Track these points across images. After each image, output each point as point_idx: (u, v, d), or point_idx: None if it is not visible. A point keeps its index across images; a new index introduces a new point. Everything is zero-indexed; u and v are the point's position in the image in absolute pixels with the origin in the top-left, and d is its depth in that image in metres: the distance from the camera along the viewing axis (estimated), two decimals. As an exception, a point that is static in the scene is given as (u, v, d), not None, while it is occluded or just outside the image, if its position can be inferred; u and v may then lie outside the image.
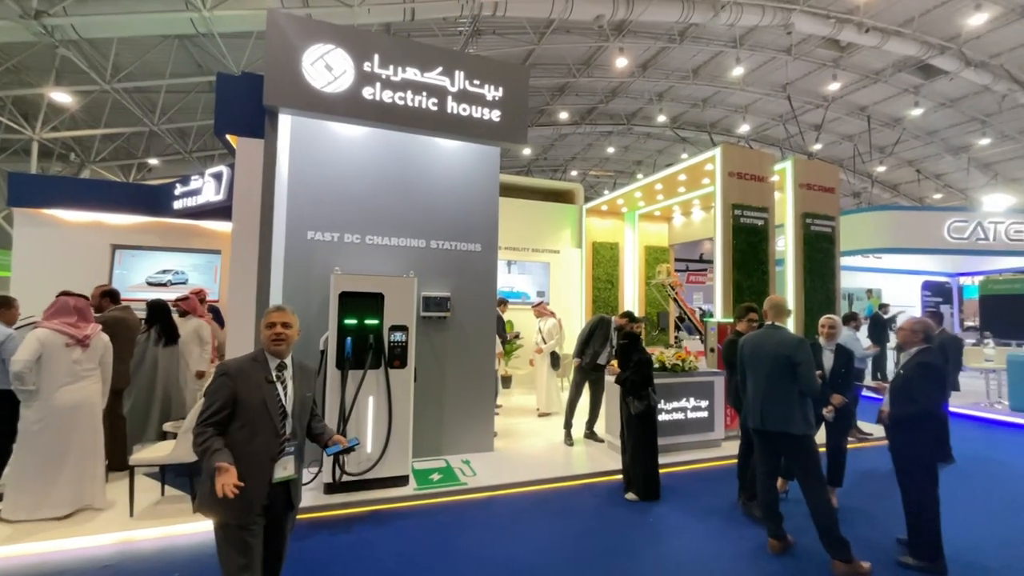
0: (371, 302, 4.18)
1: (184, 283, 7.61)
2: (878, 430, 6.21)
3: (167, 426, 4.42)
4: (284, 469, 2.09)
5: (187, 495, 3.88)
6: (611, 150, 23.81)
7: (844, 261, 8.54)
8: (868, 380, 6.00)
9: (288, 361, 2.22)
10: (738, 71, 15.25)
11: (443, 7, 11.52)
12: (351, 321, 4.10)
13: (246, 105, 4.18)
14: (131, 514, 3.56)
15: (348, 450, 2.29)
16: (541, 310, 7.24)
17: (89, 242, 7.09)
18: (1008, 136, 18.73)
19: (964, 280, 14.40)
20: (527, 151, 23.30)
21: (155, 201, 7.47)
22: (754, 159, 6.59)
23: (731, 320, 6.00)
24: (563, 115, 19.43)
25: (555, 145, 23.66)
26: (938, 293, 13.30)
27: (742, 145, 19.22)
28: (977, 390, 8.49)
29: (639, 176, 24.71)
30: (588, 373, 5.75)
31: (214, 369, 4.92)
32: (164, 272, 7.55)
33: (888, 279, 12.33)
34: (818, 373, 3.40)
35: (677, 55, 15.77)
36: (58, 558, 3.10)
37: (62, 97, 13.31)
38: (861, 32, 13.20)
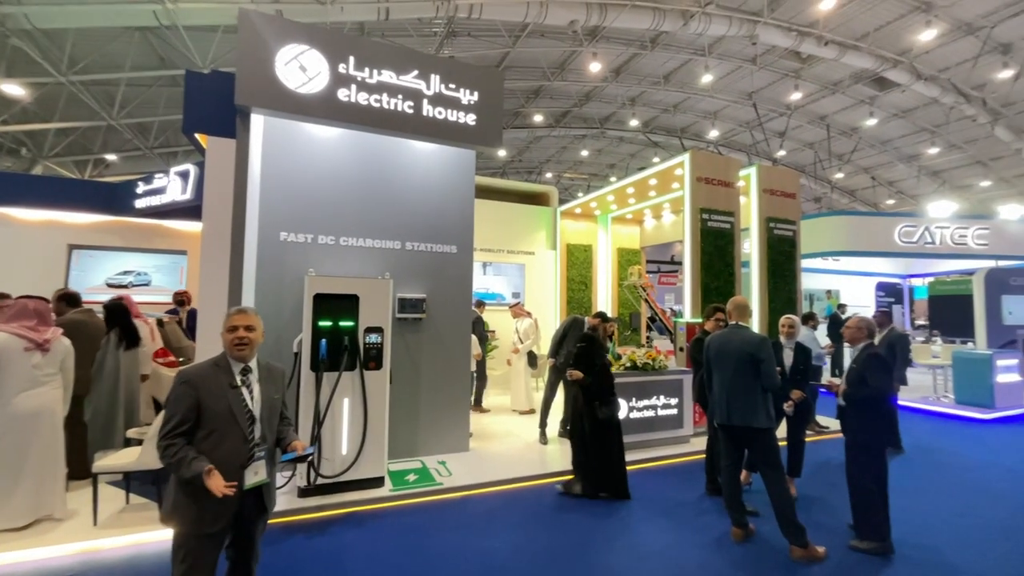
0: (346, 304, 4.17)
1: (147, 284, 7.37)
2: (835, 424, 6.54)
3: (131, 432, 4.27)
4: (255, 474, 2.05)
5: (153, 503, 3.79)
6: (585, 153, 24.16)
7: (804, 263, 8.96)
8: (826, 377, 6.31)
9: (253, 364, 2.17)
10: (707, 78, 15.76)
11: (418, 8, 11.50)
12: (326, 323, 4.08)
13: (216, 103, 4.10)
14: (95, 523, 3.45)
15: (303, 458, 2.19)
16: (518, 311, 7.33)
17: (44, 242, 6.78)
18: (955, 146, 19.94)
19: (915, 281, 15.25)
20: (502, 153, 23.41)
21: (116, 200, 7.19)
22: (721, 165, 6.85)
23: (699, 320, 6.23)
24: (538, 118, 19.63)
25: (530, 147, 23.86)
26: (891, 294, 14.07)
27: (711, 150, 19.83)
28: (925, 385, 9.03)
29: (612, 179, 25.16)
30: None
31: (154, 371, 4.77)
32: (125, 273, 7.29)
33: (845, 280, 12.98)
34: (778, 369, 3.59)
35: (649, 61, 16.16)
36: (17, 570, 2.99)
37: (13, 89, 12.62)
38: (821, 45, 13.84)
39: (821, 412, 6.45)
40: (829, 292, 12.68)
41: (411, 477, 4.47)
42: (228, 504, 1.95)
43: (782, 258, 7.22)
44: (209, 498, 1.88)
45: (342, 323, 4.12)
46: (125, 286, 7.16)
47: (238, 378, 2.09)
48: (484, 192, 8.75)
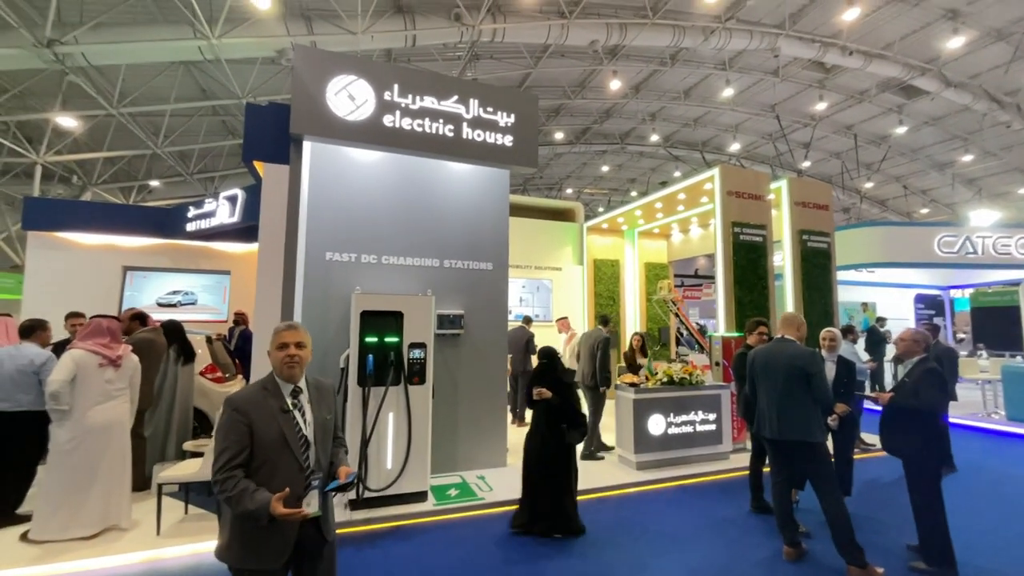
0: (391, 320, 4.31)
1: (193, 303, 7.70)
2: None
3: (187, 445, 4.47)
4: (308, 505, 1.82)
5: (211, 513, 3.93)
6: (605, 168, 24.29)
7: (839, 275, 8.78)
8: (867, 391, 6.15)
9: (303, 384, 2.01)
10: (728, 92, 15.78)
11: (443, 34, 11.92)
12: (372, 339, 4.22)
13: (272, 133, 4.36)
14: (158, 532, 3.60)
15: (346, 487, 1.94)
16: (564, 325, 7.44)
17: (101, 264, 7.18)
18: (990, 153, 19.38)
19: (955, 293, 14.73)
20: (524, 169, 23.73)
21: (168, 223, 7.61)
22: (751, 178, 6.86)
23: (735, 334, 6.18)
24: (558, 135, 19.89)
25: (550, 164, 24.12)
26: (931, 306, 13.60)
27: (733, 163, 19.72)
28: (973, 401, 8.67)
29: (633, 193, 25.18)
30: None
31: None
32: (174, 293, 7.64)
33: (881, 292, 12.62)
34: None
35: (669, 77, 16.29)
36: (89, 578, 3.15)
37: (68, 121, 13.50)
38: (845, 55, 13.75)
39: (865, 429, 6.27)
40: (865, 305, 12.34)
41: (452, 492, 4.52)
42: (288, 537, 1.84)
43: (817, 270, 7.12)
44: (270, 532, 1.77)
45: (387, 339, 4.26)
46: (174, 305, 7.51)
47: (288, 401, 1.94)
48: (510, 209, 8.90)
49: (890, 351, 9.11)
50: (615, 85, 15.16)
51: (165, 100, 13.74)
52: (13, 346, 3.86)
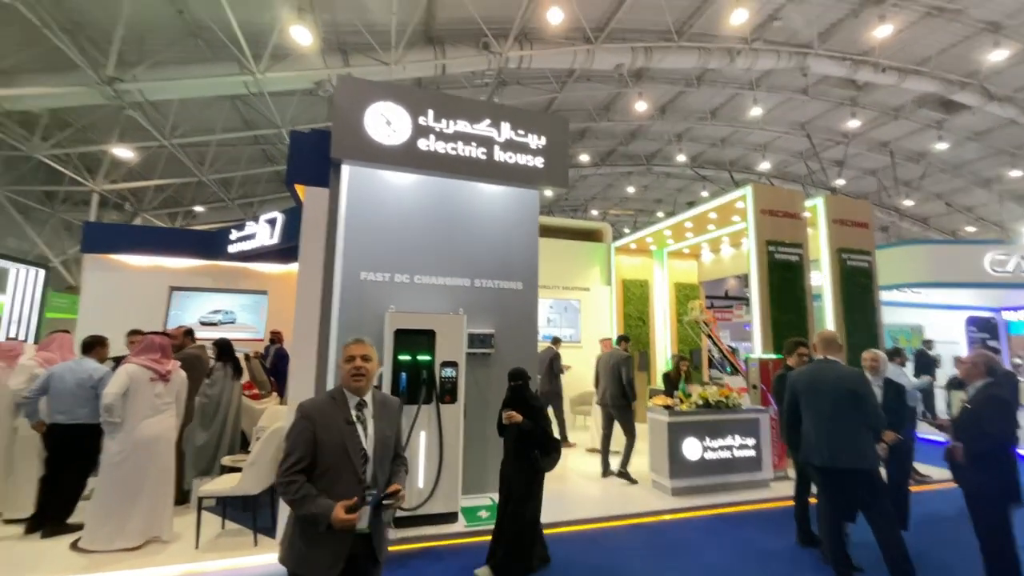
0: (423, 339, 4.36)
1: (232, 322, 7.99)
2: (937, 472, 5.97)
3: (226, 460, 4.58)
4: (360, 521, 1.86)
5: (246, 529, 3.98)
6: (631, 189, 24.27)
7: (883, 296, 8.40)
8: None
9: (368, 398, 2.08)
10: (756, 111, 15.64)
11: (472, 62, 12.31)
12: (405, 357, 4.27)
13: (313, 157, 4.57)
14: (196, 546, 3.67)
15: (385, 498, 1.94)
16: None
17: (150, 284, 7.58)
18: (1040, 167, 18.48)
19: (1008, 315, 13.87)
20: (549, 192, 23.94)
21: (211, 245, 7.99)
22: (785, 197, 6.73)
23: (773, 356, 5.98)
24: (583, 157, 20.04)
25: (576, 186, 24.26)
26: (984, 329, 12.81)
27: (763, 182, 19.41)
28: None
29: (659, 214, 25.02)
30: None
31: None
32: (215, 312, 7.95)
33: (929, 315, 12.00)
34: None
35: (695, 98, 16.30)
36: (133, 588, 3.22)
37: (124, 152, 14.46)
38: (878, 72, 13.49)
39: (919, 459, 5.89)
40: (909, 334, 11.72)
41: (483, 514, 4.46)
42: (340, 551, 1.88)
43: (858, 290, 6.86)
44: (324, 543, 1.84)
45: (420, 357, 4.31)
46: (215, 324, 7.81)
47: (353, 413, 2.01)
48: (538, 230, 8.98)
49: (941, 376, 8.64)
50: (641, 107, 15.26)
51: (211, 131, 14.58)
52: (74, 361, 4.09)
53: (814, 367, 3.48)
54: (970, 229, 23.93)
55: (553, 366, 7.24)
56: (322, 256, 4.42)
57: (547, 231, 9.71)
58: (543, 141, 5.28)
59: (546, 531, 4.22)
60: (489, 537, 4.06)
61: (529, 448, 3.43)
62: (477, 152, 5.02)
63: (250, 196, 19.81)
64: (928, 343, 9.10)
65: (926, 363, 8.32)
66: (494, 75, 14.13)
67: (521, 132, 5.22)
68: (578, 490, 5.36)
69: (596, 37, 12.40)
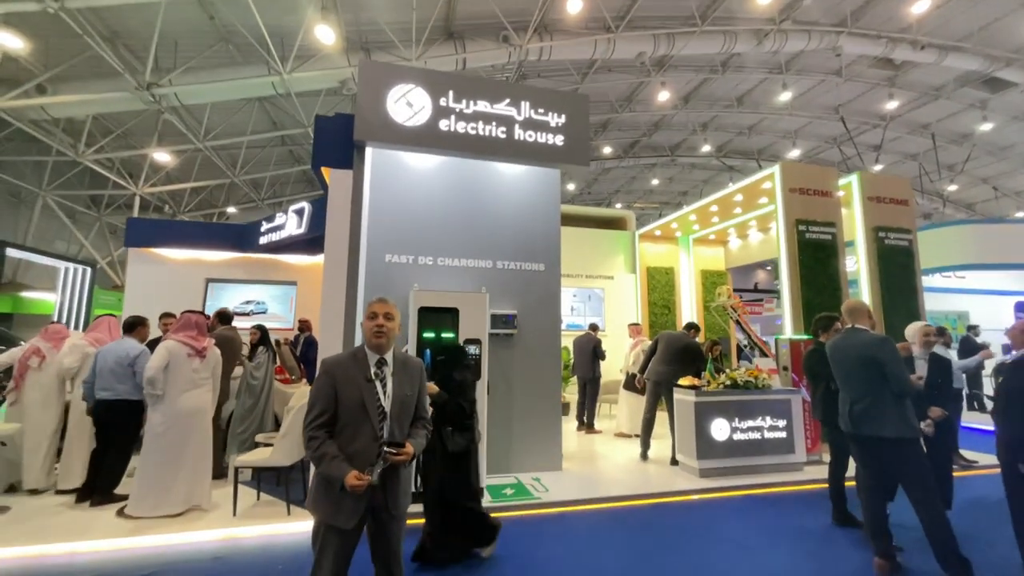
0: (447, 317, 4.42)
1: (263, 312, 8.25)
2: (983, 458, 5.69)
3: (260, 437, 4.74)
4: (372, 475, 1.93)
5: (280, 500, 4.10)
6: (655, 182, 23.88)
7: (925, 282, 8.02)
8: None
9: (388, 357, 2.11)
10: (785, 96, 15.16)
11: (492, 55, 12.36)
12: (429, 334, 4.33)
13: (338, 141, 4.70)
14: (234, 513, 3.82)
15: (389, 446, 1.97)
16: (637, 330, 7.40)
17: (188, 276, 7.91)
18: (1097, 146, 17.32)
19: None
20: (571, 186, 23.83)
21: (243, 238, 8.29)
22: (817, 174, 6.51)
23: (804, 337, 5.80)
24: (607, 150, 19.85)
25: (599, 179, 24.07)
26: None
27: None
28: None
29: (684, 207, 24.56)
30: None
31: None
32: (247, 303, 8.24)
33: (975, 300, 11.39)
34: (916, 377, 3.24)
35: (720, 85, 15.92)
36: (175, 551, 3.37)
37: (163, 156, 15.13)
38: (916, 50, 12.90)
39: (964, 444, 5.63)
40: (955, 321, 11.15)
41: (508, 491, 4.48)
42: (360, 501, 1.95)
43: (898, 270, 6.56)
44: (343, 494, 1.92)
45: (444, 335, 4.36)
46: (247, 314, 8.09)
47: (373, 371, 2.05)
48: (561, 219, 8.95)
49: (988, 365, 8.19)
50: (663, 96, 15.01)
51: (242, 133, 15.11)
52: (115, 341, 4.31)
53: (841, 337, 3.39)
54: (1020, 214, 22.60)
55: (596, 352, 7.25)
56: (347, 237, 4.52)
57: (570, 220, 9.65)
58: (563, 119, 5.27)
59: (569, 508, 4.23)
60: (515, 513, 4.10)
61: (443, 423, 3.20)
62: (497, 131, 5.05)
63: (279, 196, 20.43)
64: (974, 328, 8.64)
65: (972, 349, 7.90)
66: (515, 68, 14.15)
67: (541, 111, 5.22)
68: (602, 471, 5.31)
69: (616, 26, 12.26)
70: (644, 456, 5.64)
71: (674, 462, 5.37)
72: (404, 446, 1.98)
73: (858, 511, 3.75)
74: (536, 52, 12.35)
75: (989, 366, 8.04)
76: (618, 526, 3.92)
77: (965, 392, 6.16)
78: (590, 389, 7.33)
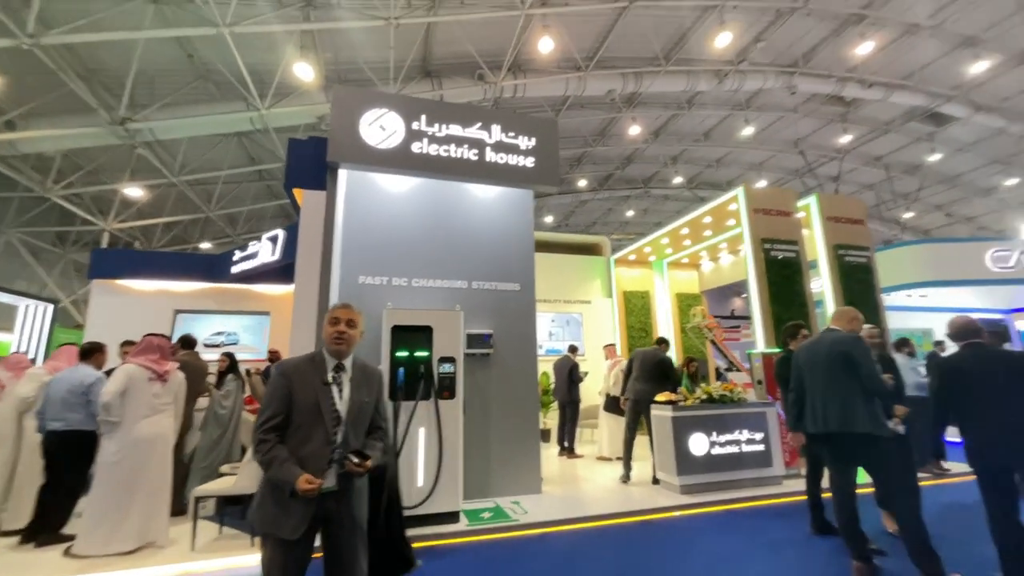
0: (421, 335, 4.37)
1: (235, 344, 8.02)
2: (955, 467, 5.79)
3: (224, 468, 4.51)
4: (326, 480, 1.90)
5: (244, 533, 3.89)
6: (631, 213, 24.55)
7: (888, 300, 8.32)
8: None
9: (347, 363, 2.08)
10: (748, 131, 16.01)
11: (468, 93, 12.80)
12: (402, 353, 4.27)
13: (311, 163, 4.75)
14: (192, 547, 3.58)
15: (352, 455, 1.92)
16: (612, 351, 7.37)
17: (155, 307, 7.69)
18: (1036, 174, 18.59)
19: (1020, 318, 13.63)
20: (549, 219, 24.30)
21: (214, 268, 8.15)
22: (778, 195, 6.83)
23: (775, 350, 5.90)
24: (582, 183, 20.41)
25: (576, 212, 24.61)
26: (995, 332, 12.55)
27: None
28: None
29: (665, 241, 25.19)
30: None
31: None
32: (218, 334, 8.01)
33: (937, 318, 11.83)
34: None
35: (687, 120, 16.73)
36: (124, 588, 3.13)
37: (135, 191, 14.94)
38: (864, 88, 13.87)
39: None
40: (920, 338, 11.54)
41: (486, 515, 4.33)
42: (305, 514, 1.86)
43: (859, 286, 6.82)
44: (290, 506, 1.84)
45: (417, 353, 4.30)
46: (218, 345, 7.85)
47: (330, 375, 2.02)
48: (538, 245, 9.08)
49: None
50: (635, 131, 15.68)
51: (219, 168, 15.09)
52: (69, 368, 4.12)
53: (814, 338, 3.48)
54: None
55: (572, 375, 7.20)
56: (319, 258, 4.50)
57: (547, 246, 9.82)
58: (533, 142, 5.46)
59: (549, 528, 4.11)
60: (493, 536, 3.95)
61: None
62: (469, 154, 5.19)
63: (256, 231, 20.19)
64: (940, 343, 8.93)
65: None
66: (490, 104, 14.65)
67: (511, 134, 5.40)
68: (583, 492, 5.19)
69: (586, 65, 12.90)
70: (627, 477, 5.53)
71: (655, 481, 5.29)
72: (368, 459, 1.92)
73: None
74: (511, 89, 12.84)
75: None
76: (598, 544, 3.82)
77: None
78: (570, 413, 7.25)
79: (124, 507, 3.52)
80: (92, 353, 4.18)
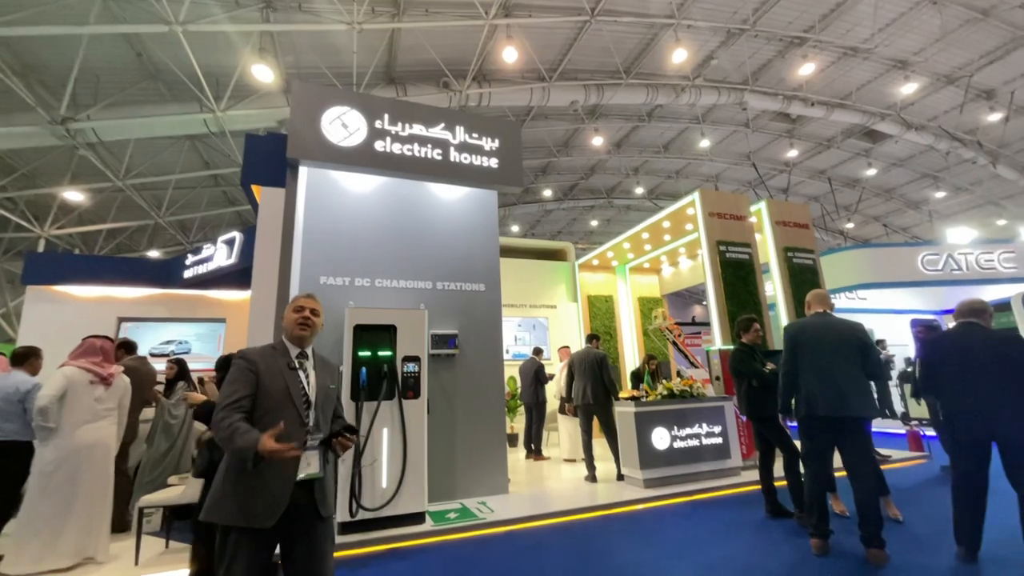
0: (384, 335, 4.30)
1: (187, 353, 7.62)
2: (898, 453, 6.18)
3: (172, 479, 4.26)
4: (308, 465, 1.85)
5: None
6: (595, 223, 25.07)
7: (833, 302, 8.78)
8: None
9: (309, 352, 2.10)
10: (704, 144, 16.72)
11: (433, 100, 12.80)
12: (365, 353, 4.19)
13: (270, 160, 4.63)
14: (136, 562, 3.36)
15: (336, 435, 1.99)
16: (566, 353, 7.40)
17: (96, 315, 7.20)
18: (962, 188, 20.25)
19: (950, 318, 14.73)
20: (515, 228, 24.50)
21: (165, 273, 7.74)
22: (731, 200, 7.16)
23: (731, 347, 6.14)
24: (547, 192, 20.74)
25: (541, 221, 24.93)
26: (928, 331, 13.50)
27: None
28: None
29: (627, 246, 25.86)
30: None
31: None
32: (168, 343, 7.59)
33: (878, 319, 12.64)
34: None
35: (648, 132, 17.33)
36: (57, 608, 2.89)
37: (75, 196, 14.05)
38: (808, 106, 14.79)
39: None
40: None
41: (452, 515, 4.27)
42: (280, 497, 1.79)
43: (807, 287, 7.17)
44: (261, 487, 1.76)
45: (380, 353, 4.23)
46: (167, 355, 7.42)
47: (296, 361, 2.02)
48: (504, 251, 9.13)
49: (894, 375, 9.03)
50: (597, 142, 16.10)
51: (170, 172, 14.42)
52: (1, 375, 3.81)
53: (818, 319, 3.42)
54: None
55: (539, 375, 7.22)
56: (278, 257, 4.37)
57: (513, 252, 9.89)
58: (496, 143, 5.53)
59: (515, 526, 4.09)
60: (458, 535, 3.90)
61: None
62: (433, 153, 5.20)
63: (211, 239, 19.39)
64: (881, 342, 9.53)
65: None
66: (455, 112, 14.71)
67: (475, 135, 5.45)
68: (549, 490, 5.20)
69: (550, 76, 13.18)
70: (592, 478, 5.55)
71: (620, 477, 5.36)
72: (356, 432, 1.99)
73: (790, 503, 3.92)
74: (476, 98, 12.93)
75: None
76: (563, 538, 3.83)
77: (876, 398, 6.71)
78: (536, 414, 7.27)
79: (60, 518, 3.26)
80: (26, 358, 3.89)
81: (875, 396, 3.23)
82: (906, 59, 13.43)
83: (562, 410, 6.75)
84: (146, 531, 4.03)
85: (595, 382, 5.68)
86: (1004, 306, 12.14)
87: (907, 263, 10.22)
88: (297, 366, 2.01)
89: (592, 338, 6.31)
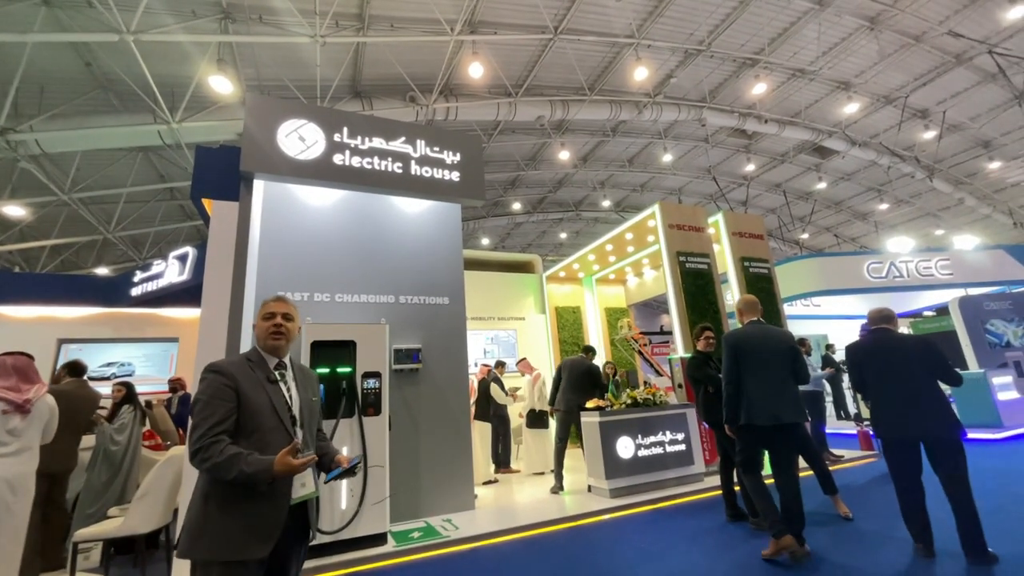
0: (343, 351, 4.20)
1: (130, 375, 7.22)
2: (850, 453, 6.42)
3: (113, 510, 3.99)
4: (303, 486, 1.73)
5: (133, 580, 3.44)
6: (563, 236, 25.39)
7: (788, 310, 9.18)
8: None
9: (287, 362, 1.93)
10: (667, 158, 17.29)
11: (399, 114, 12.75)
12: (323, 370, 4.07)
13: (222, 173, 4.47)
14: (67, 602, 3.09)
15: (349, 471, 1.82)
16: (526, 366, 7.32)
17: (34, 337, 6.73)
18: (903, 201, 21.61)
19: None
20: (485, 241, 24.55)
21: (110, 292, 7.34)
22: (690, 212, 7.39)
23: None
24: (516, 205, 20.92)
25: (511, 234, 25.09)
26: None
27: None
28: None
29: (592, 258, 26.27)
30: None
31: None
32: (108, 365, 7.15)
33: (830, 325, 13.25)
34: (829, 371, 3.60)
35: (613, 147, 17.79)
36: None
37: (16, 211, 13.24)
38: (762, 123, 15.54)
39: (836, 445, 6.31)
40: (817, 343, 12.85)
41: (415, 535, 4.16)
42: (275, 520, 1.64)
43: (762, 295, 7.45)
44: (253, 514, 1.61)
45: (340, 369, 4.12)
46: (107, 378, 6.99)
47: (275, 373, 1.84)
48: (472, 264, 9.13)
49: (847, 378, 9.46)
50: (564, 156, 16.39)
51: (120, 185, 13.80)
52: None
53: (755, 329, 3.49)
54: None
55: (487, 392, 7.08)
56: (231, 273, 4.21)
57: (480, 264, 9.88)
58: (458, 157, 5.54)
59: (481, 543, 4.01)
60: (421, 555, 3.79)
61: None
62: (393, 167, 5.16)
63: (164, 256, 18.58)
64: (831, 347, 9.97)
65: (830, 363, 9.07)
66: (423, 126, 14.71)
67: (436, 149, 5.45)
68: (516, 504, 5.14)
69: (516, 91, 13.40)
70: (560, 488, 5.52)
71: (589, 489, 5.35)
72: (330, 466, 1.85)
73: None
74: (443, 112, 12.99)
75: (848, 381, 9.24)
76: (529, 552, 3.78)
77: (830, 400, 6.99)
78: (500, 429, 7.11)
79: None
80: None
81: (802, 400, 3.35)
82: (848, 80, 14.34)
83: (531, 424, 6.71)
84: (84, 568, 3.77)
85: (580, 392, 5.66)
86: (943, 310, 12.95)
87: (854, 271, 10.79)
88: (278, 378, 1.84)
89: (588, 350, 6.30)
